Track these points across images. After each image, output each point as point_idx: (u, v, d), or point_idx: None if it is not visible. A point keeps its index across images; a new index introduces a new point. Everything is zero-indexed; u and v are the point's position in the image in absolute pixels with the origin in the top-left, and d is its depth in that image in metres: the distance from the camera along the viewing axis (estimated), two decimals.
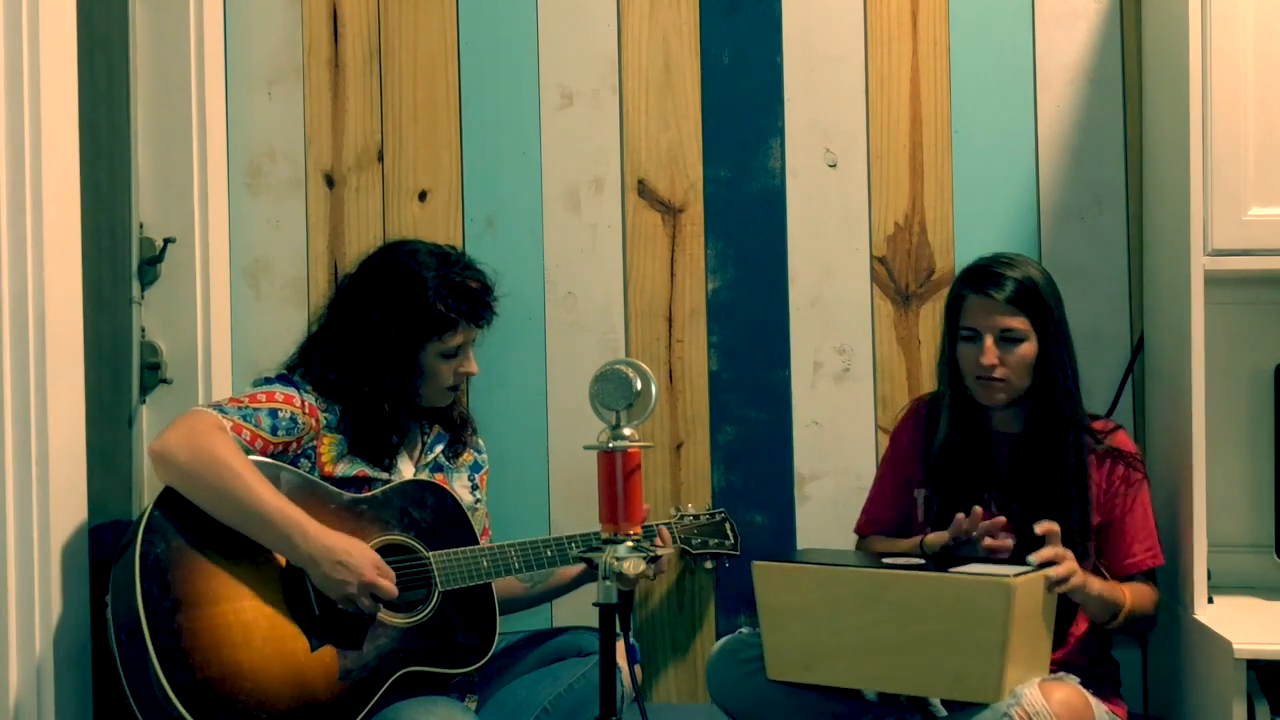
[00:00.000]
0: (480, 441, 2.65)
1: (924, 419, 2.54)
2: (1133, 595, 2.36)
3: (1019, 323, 2.37)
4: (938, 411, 2.50)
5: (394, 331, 2.43)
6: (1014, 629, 2.12)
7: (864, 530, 2.62)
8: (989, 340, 2.37)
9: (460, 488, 2.55)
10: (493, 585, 2.44)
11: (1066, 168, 2.84)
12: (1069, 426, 2.39)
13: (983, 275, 2.41)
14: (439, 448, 2.56)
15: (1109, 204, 2.83)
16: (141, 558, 2.18)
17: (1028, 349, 2.38)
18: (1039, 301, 2.38)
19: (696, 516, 2.74)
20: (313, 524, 2.25)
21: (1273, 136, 2.37)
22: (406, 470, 2.49)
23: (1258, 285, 2.63)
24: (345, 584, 2.24)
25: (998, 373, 2.37)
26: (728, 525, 2.77)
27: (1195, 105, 2.35)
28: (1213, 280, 2.38)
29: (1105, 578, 2.39)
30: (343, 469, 2.40)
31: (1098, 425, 2.45)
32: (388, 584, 2.27)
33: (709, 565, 2.76)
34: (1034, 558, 2.23)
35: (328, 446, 2.41)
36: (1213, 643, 2.25)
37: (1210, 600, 2.41)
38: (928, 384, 2.80)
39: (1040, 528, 2.26)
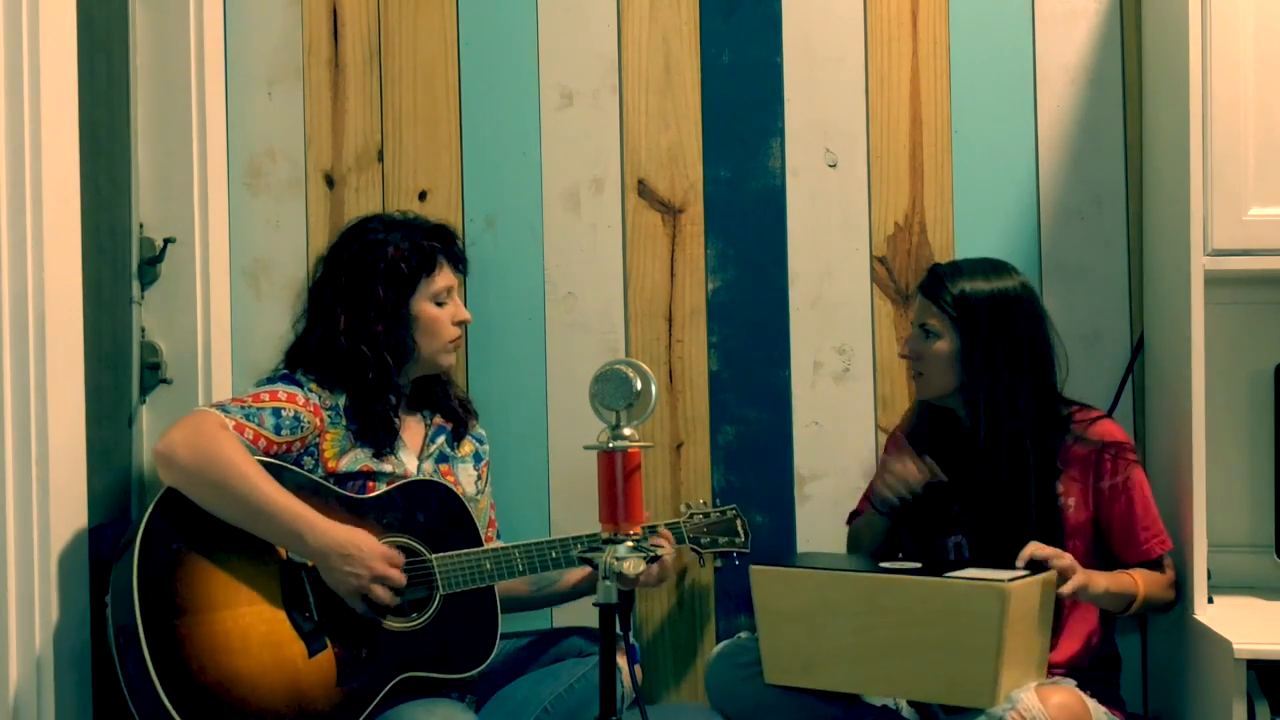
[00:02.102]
0: (482, 431, 2.66)
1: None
2: (1146, 583, 2.35)
3: (935, 320, 2.43)
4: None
5: (381, 287, 2.45)
6: (1009, 633, 2.12)
7: (851, 521, 2.64)
8: (911, 332, 2.48)
9: (465, 478, 2.56)
10: (495, 588, 2.43)
11: (1066, 168, 2.84)
12: (999, 424, 2.38)
13: (928, 275, 2.49)
14: (441, 439, 2.56)
15: (1109, 204, 2.83)
16: (140, 563, 2.18)
17: (940, 347, 2.42)
18: (967, 307, 2.39)
19: (707, 515, 2.71)
20: (320, 519, 2.26)
21: (1273, 136, 2.37)
22: (410, 462, 2.49)
23: (1258, 285, 2.63)
24: (355, 576, 2.24)
25: (915, 365, 2.46)
26: (739, 522, 2.74)
27: (1195, 105, 2.35)
28: (1213, 280, 2.38)
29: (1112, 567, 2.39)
30: (346, 464, 2.41)
31: (1080, 416, 2.45)
32: (397, 574, 2.28)
33: (718, 564, 2.74)
34: (1036, 555, 2.24)
35: (330, 442, 2.41)
36: (1213, 643, 2.25)
37: (1210, 600, 2.41)
38: None
39: (1029, 552, 2.26)
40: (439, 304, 2.50)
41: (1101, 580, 2.30)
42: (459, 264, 2.58)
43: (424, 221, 2.57)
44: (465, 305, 2.60)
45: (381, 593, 2.27)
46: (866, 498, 2.62)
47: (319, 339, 2.47)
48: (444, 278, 2.51)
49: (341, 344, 2.44)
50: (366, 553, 2.26)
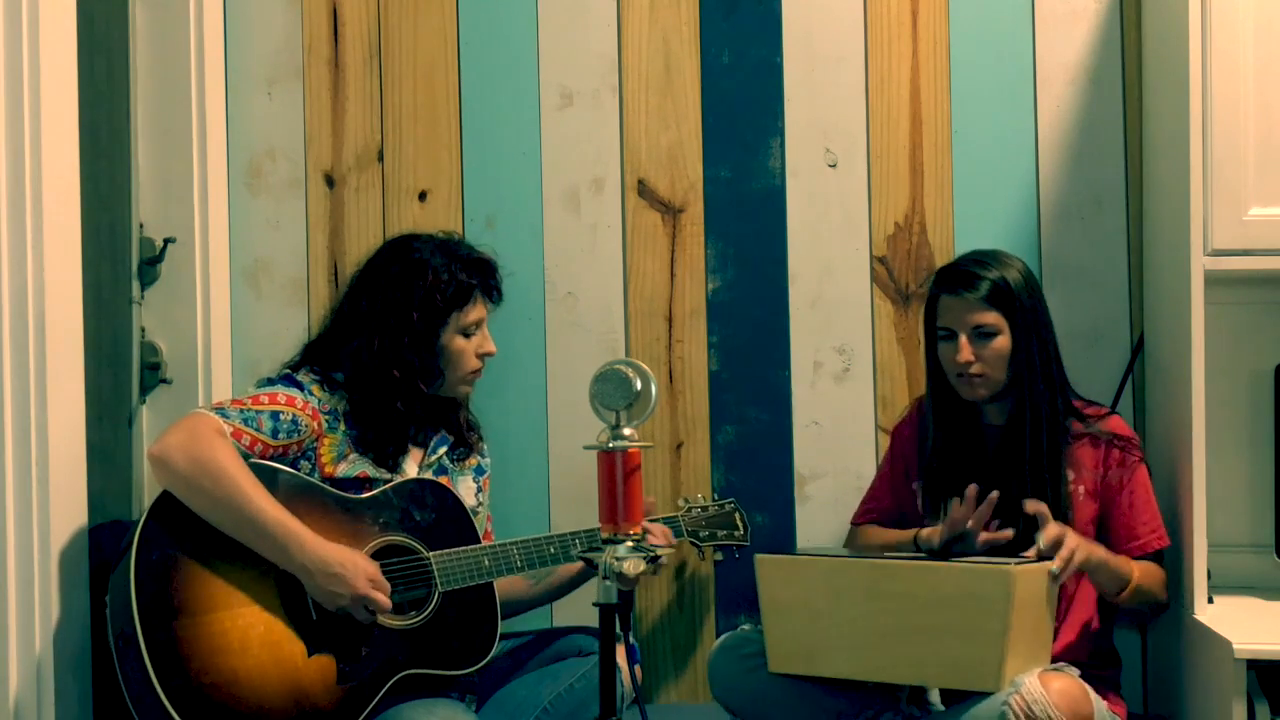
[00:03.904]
0: (484, 446, 2.65)
1: (924, 417, 2.57)
2: (1141, 572, 2.36)
3: (991, 318, 2.40)
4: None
5: (416, 312, 2.43)
6: (1014, 617, 2.13)
7: (860, 520, 2.64)
8: (963, 338, 2.41)
9: (465, 491, 2.55)
10: (494, 585, 2.43)
11: (1066, 168, 2.84)
12: (1046, 413, 2.40)
13: (955, 275, 2.45)
14: (442, 450, 2.55)
15: (1109, 204, 2.83)
16: (137, 564, 2.18)
17: (1002, 343, 2.41)
18: (1010, 296, 2.40)
19: (705, 508, 2.72)
20: (309, 535, 2.25)
21: (1273, 136, 2.37)
22: (411, 472, 2.48)
23: (1258, 285, 2.63)
24: (339, 595, 2.24)
25: (974, 369, 2.41)
26: (737, 516, 2.74)
27: (1195, 105, 2.35)
28: (1213, 280, 2.38)
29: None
30: (344, 469, 2.40)
31: (1090, 411, 2.47)
32: (381, 597, 2.27)
33: (718, 557, 2.74)
34: (1040, 536, 2.24)
35: (328, 447, 2.41)
36: (1213, 643, 2.26)
37: (1210, 600, 2.41)
38: None
39: (1030, 506, 2.29)
40: (467, 336, 2.49)
41: (1101, 551, 2.31)
42: (493, 295, 2.55)
43: (467, 251, 2.53)
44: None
45: (364, 614, 2.26)
46: (873, 499, 2.63)
47: (351, 352, 2.45)
48: (476, 311, 2.49)
49: (374, 364, 2.43)
50: (351, 572, 2.24)
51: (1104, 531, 2.43)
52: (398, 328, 2.43)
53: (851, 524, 2.67)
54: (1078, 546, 2.25)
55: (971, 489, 2.36)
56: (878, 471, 2.69)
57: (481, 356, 2.51)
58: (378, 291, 2.47)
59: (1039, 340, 2.42)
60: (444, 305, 2.45)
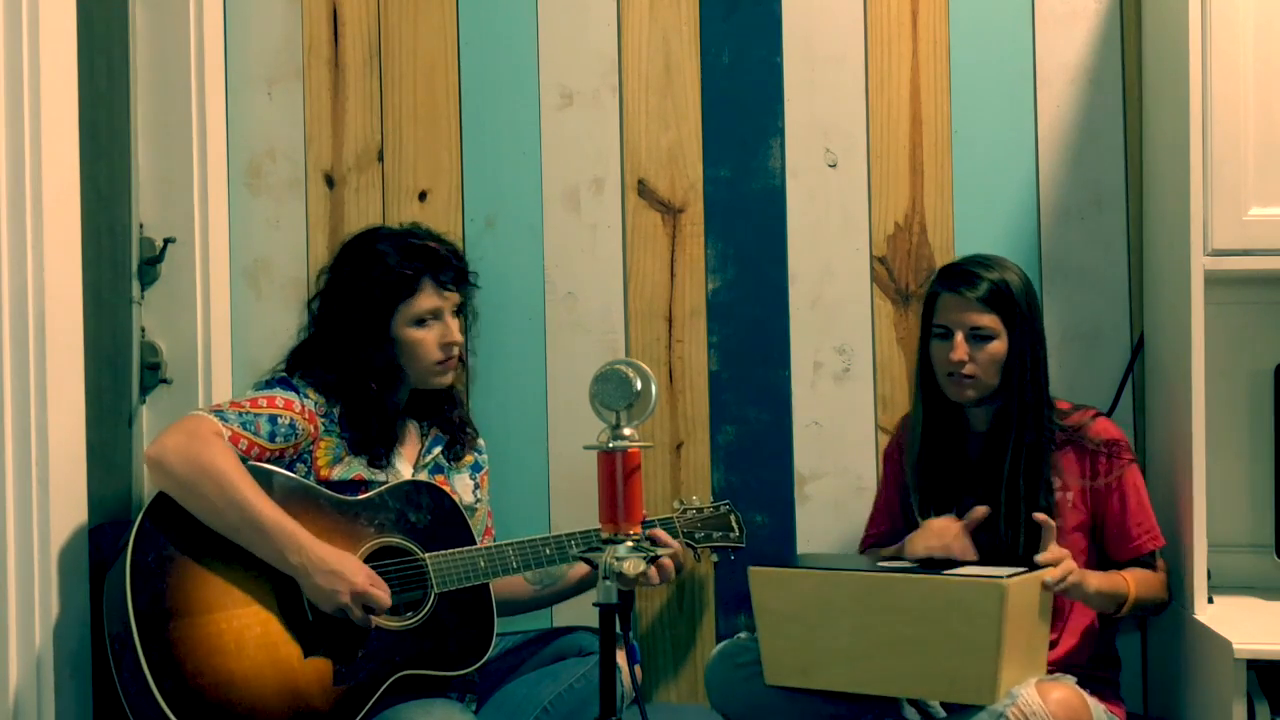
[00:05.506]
0: (481, 442, 2.65)
1: (908, 430, 2.57)
2: (1137, 583, 2.36)
3: (990, 320, 2.39)
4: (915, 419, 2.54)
5: (361, 308, 2.44)
6: (1008, 630, 2.12)
7: (864, 548, 2.66)
8: (959, 336, 2.40)
9: (462, 488, 2.55)
10: (490, 586, 2.43)
11: (1066, 168, 2.84)
12: (1031, 422, 2.40)
13: (957, 274, 2.44)
14: (437, 449, 2.56)
15: (1109, 204, 2.83)
16: (133, 566, 2.18)
17: (997, 347, 2.40)
18: (1010, 302, 2.40)
19: (700, 510, 2.71)
20: (307, 536, 2.25)
21: (1273, 136, 2.37)
22: (405, 472, 2.49)
23: (1258, 285, 2.63)
24: (337, 594, 2.24)
25: (966, 369, 2.40)
26: (733, 517, 2.74)
27: (1195, 105, 2.35)
28: (1213, 280, 2.38)
29: (1105, 568, 2.40)
30: (339, 472, 2.40)
31: (1076, 416, 2.46)
32: (380, 594, 2.27)
33: (714, 559, 2.74)
34: (1038, 558, 2.24)
35: (324, 450, 2.41)
36: (1213, 643, 2.26)
37: (1210, 600, 2.41)
38: None
39: (1037, 517, 2.29)
40: (421, 325, 2.47)
41: (1094, 580, 2.31)
42: (448, 284, 2.50)
43: (417, 239, 2.50)
44: (465, 317, 2.58)
45: (360, 614, 2.26)
46: (873, 525, 2.64)
47: (319, 356, 2.47)
48: (427, 299, 2.46)
49: (337, 363, 2.44)
50: (349, 570, 2.25)
51: (1097, 536, 2.43)
52: (350, 329, 2.44)
53: (858, 552, 2.67)
54: (1070, 572, 2.25)
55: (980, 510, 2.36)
56: (875, 498, 2.69)
57: (446, 346, 2.49)
58: (334, 293, 2.49)
59: (1032, 350, 2.41)
60: (386, 297, 2.44)
